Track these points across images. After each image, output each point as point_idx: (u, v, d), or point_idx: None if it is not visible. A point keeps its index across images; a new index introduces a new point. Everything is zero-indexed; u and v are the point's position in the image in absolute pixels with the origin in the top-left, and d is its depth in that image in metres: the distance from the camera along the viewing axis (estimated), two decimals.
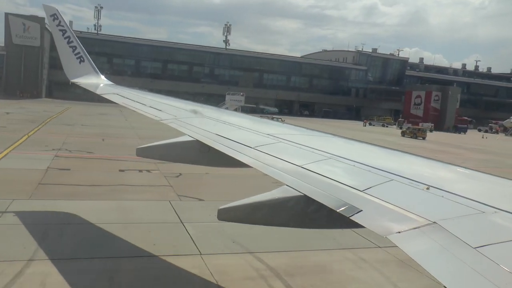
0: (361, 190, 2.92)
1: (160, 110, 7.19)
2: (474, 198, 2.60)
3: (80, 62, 10.59)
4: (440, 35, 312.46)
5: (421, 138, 52.15)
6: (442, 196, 2.70)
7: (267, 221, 3.61)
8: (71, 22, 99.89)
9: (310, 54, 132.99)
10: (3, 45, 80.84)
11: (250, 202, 3.38)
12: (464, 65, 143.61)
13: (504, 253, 1.97)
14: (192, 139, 5.26)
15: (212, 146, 4.79)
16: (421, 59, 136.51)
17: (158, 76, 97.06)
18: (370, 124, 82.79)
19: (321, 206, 2.94)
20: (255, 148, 4.32)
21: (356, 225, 2.62)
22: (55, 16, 10.42)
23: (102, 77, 10.90)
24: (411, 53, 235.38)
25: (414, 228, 2.30)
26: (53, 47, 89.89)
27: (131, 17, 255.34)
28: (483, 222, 2.36)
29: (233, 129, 5.54)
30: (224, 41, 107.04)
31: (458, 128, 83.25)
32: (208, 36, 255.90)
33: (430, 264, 2.01)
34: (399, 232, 2.31)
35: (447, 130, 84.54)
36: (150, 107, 7.54)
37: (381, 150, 4.41)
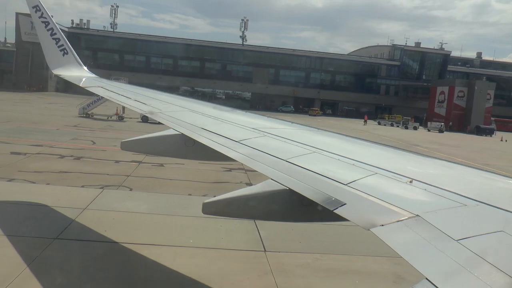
0: (345, 183, 3.05)
1: (144, 104, 7.52)
2: (457, 191, 2.75)
3: (63, 55, 10.99)
4: None
5: None
6: (425, 189, 2.85)
7: (252, 215, 3.92)
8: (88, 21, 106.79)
9: (355, 51, 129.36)
10: (14, 42, 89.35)
11: (234, 196, 3.60)
12: None
13: (485, 245, 2.09)
14: (178, 132, 5.48)
15: (197, 140, 4.98)
16: (479, 54, 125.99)
17: (169, 72, 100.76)
18: (379, 123, 78.50)
19: (305, 199, 3.08)
20: (240, 142, 4.51)
21: (340, 219, 2.75)
22: (37, 7, 10.76)
23: (86, 69, 11.36)
24: None
25: (397, 221, 2.41)
26: None
27: (235, 24, 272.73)
28: (465, 215, 2.49)
29: (218, 123, 5.79)
30: (241, 36, 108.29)
31: (481, 130, 75.48)
32: (311, 41, 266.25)
33: (412, 257, 2.11)
34: (382, 225, 2.42)
35: (470, 131, 77.07)
36: (135, 100, 7.91)
37: (365, 144, 4.69)
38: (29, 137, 23.20)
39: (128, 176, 15.69)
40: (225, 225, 10.77)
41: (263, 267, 8.46)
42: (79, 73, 11.03)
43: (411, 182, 2.98)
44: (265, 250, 9.39)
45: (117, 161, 18.05)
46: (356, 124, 70.68)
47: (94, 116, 37.73)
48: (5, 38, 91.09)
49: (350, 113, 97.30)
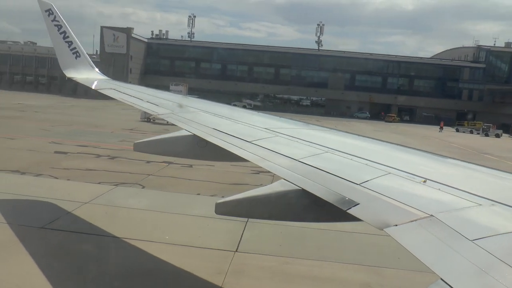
0: (358, 183, 3.04)
1: (157, 105, 7.64)
2: (471, 191, 2.73)
3: (76, 58, 11.13)
4: None
5: None
6: (439, 189, 2.83)
7: (265, 215, 3.95)
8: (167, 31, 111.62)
9: (437, 54, 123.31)
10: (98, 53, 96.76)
11: (247, 196, 3.61)
12: None
13: (501, 246, 2.05)
14: (190, 133, 5.53)
15: (210, 140, 5.01)
16: None
17: (244, 79, 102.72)
18: (457, 130, 73.91)
19: (318, 199, 3.07)
20: (252, 142, 4.53)
21: (353, 218, 2.75)
22: (50, 11, 10.94)
23: (98, 72, 11.63)
24: None
25: (411, 221, 2.39)
26: (147, 56, 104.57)
27: (323, 30, 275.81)
28: (480, 214, 2.46)
29: (230, 123, 5.84)
30: (316, 41, 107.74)
31: None
32: (400, 45, 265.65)
33: (427, 257, 2.08)
34: (396, 225, 2.40)
35: None
36: (147, 102, 8.02)
37: (378, 144, 4.71)
38: (81, 138, 24.85)
39: (149, 175, 16.18)
40: (212, 224, 10.71)
41: (221, 267, 8.26)
42: (91, 76, 11.39)
43: (424, 182, 2.97)
44: (236, 251, 9.18)
45: (148, 162, 18.61)
46: (431, 131, 66.99)
47: (155, 121, 39.32)
48: (97, 51, 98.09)
49: (429, 120, 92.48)
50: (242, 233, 10.20)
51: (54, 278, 7.38)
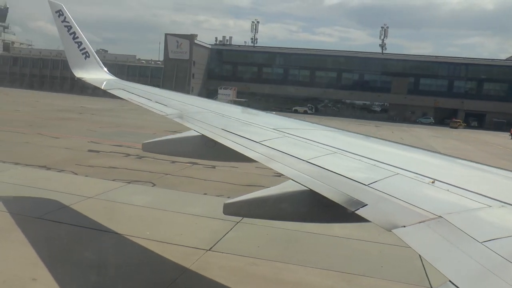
0: (366, 184, 3.05)
1: (165, 106, 7.68)
2: (481, 192, 2.71)
3: (85, 58, 11.27)
4: None
5: None
6: (448, 190, 2.82)
7: (272, 216, 4.01)
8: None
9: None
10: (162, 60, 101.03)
11: (255, 196, 3.67)
12: None
13: (511, 248, 2.02)
14: (198, 134, 5.58)
15: (218, 141, 5.04)
16: None
17: (306, 84, 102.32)
18: None
19: (326, 200, 3.08)
20: (261, 142, 4.56)
21: (361, 219, 2.76)
22: (60, 12, 11.08)
23: (107, 72, 11.74)
24: None
25: (419, 222, 2.38)
26: (210, 61, 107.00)
27: (395, 33, 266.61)
28: (490, 216, 2.44)
29: (239, 124, 5.87)
30: (380, 45, 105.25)
31: None
32: (479, 47, 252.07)
33: (435, 259, 2.07)
34: (404, 226, 2.40)
35: None
36: (156, 102, 8.08)
37: (387, 144, 4.72)
38: (121, 139, 25.90)
39: (167, 174, 16.44)
40: (201, 223, 10.72)
41: (183, 264, 8.16)
42: (100, 76, 11.61)
43: (433, 182, 2.97)
44: (208, 250, 9.01)
45: (173, 162, 18.88)
46: (499, 137, 62.48)
47: None
48: (164, 56, 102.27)
49: (500, 126, 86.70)
50: (226, 233, 10.03)
51: (30, 259, 7.80)
